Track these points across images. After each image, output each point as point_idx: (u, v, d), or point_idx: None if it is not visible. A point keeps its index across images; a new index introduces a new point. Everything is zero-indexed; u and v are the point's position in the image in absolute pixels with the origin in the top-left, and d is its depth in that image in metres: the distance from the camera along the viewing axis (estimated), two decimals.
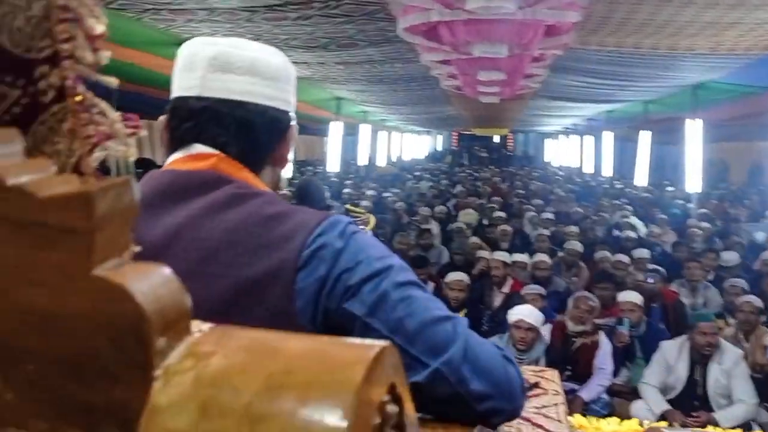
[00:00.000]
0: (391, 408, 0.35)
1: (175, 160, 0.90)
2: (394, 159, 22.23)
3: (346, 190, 10.82)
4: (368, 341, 0.35)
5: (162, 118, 0.93)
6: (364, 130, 14.34)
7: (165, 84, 1.01)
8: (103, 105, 0.44)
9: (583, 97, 10.96)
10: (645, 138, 11.34)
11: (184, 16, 4.53)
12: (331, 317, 0.79)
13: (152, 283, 0.33)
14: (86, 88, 0.42)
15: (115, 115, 0.45)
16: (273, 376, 0.31)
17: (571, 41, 5.36)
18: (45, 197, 0.31)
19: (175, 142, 0.91)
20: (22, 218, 0.31)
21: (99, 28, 0.41)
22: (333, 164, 12.12)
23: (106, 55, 0.43)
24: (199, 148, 0.89)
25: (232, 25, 4.80)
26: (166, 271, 0.35)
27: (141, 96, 7.43)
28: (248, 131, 0.90)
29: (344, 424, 0.29)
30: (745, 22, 4.75)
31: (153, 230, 0.80)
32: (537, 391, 1.87)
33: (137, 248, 0.51)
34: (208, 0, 4.12)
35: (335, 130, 11.41)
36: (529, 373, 2.10)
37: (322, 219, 0.83)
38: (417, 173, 17.72)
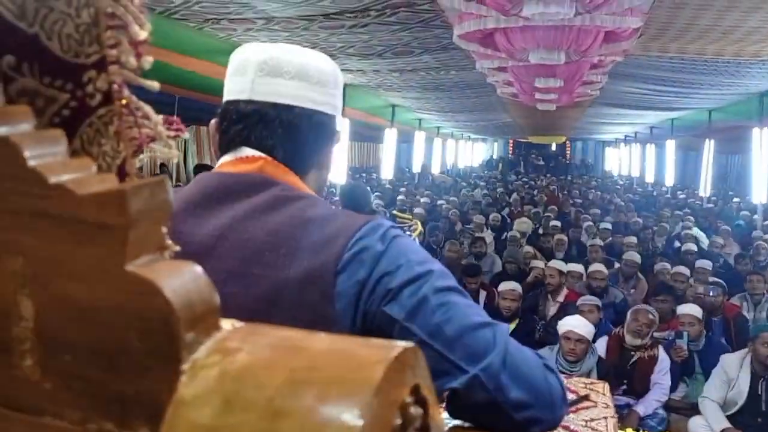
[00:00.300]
0: (415, 410, 0.35)
1: (224, 162, 0.92)
2: (449, 166, 22.16)
3: (399, 197, 10.84)
4: (393, 342, 0.35)
5: (213, 121, 0.97)
6: (419, 138, 14.35)
7: (223, 91, 1.04)
8: (147, 108, 0.46)
9: (644, 104, 10.68)
10: (709, 147, 10.96)
11: (243, 25, 4.65)
12: (370, 320, 0.79)
13: (182, 280, 0.34)
14: (132, 94, 0.43)
15: (158, 118, 0.47)
16: (296, 372, 0.32)
17: (632, 47, 5.24)
18: (83, 195, 0.33)
19: (225, 145, 0.93)
20: (62, 214, 0.33)
21: (143, 34, 0.43)
22: (387, 171, 12.18)
23: (148, 60, 0.44)
24: (246, 151, 0.91)
25: (289, 33, 4.90)
26: (197, 268, 0.36)
27: (201, 103, 7.66)
28: (295, 135, 0.91)
29: (360, 422, 0.29)
30: None
31: (200, 231, 0.83)
32: (586, 403, 1.83)
33: (176, 247, 0.52)
34: (266, 9, 4.22)
35: (390, 137, 11.46)
36: (579, 385, 2.05)
37: (363, 223, 0.83)
38: (472, 181, 17.61)
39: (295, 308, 0.78)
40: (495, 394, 0.76)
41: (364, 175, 15.79)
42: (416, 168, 15.43)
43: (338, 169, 9.08)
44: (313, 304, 0.78)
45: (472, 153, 26.21)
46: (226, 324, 0.44)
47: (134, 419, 0.34)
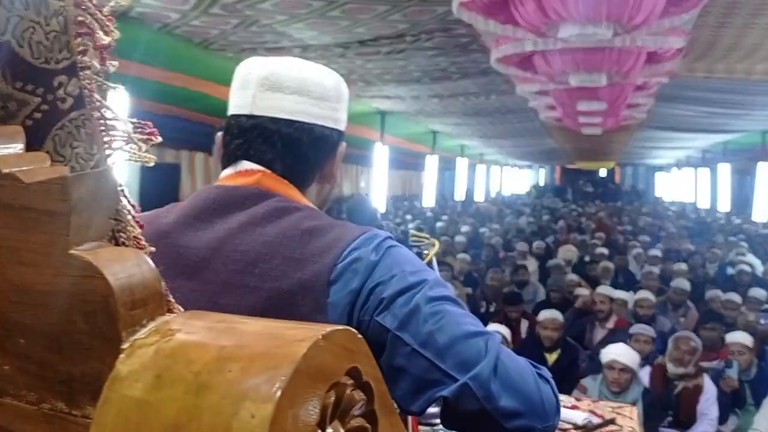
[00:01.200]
0: (355, 393, 0.36)
1: (224, 176, 0.94)
2: (493, 194, 21.99)
3: (439, 224, 10.80)
4: (326, 325, 0.36)
5: (219, 134, 0.99)
6: (461, 164, 14.30)
7: None
8: (118, 113, 0.48)
9: (694, 127, 10.43)
10: (764, 170, 10.60)
11: (280, 54, 4.77)
12: (364, 330, 0.79)
13: (124, 265, 0.36)
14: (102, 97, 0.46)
15: (127, 122, 0.49)
16: (225, 349, 0.33)
17: (677, 68, 5.15)
18: (30, 183, 0.35)
19: (227, 159, 0.95)
20: (12, 202, 0.35)
21: (106, 39, 0.45)
22: (428, 199, 12.13)
23: (113, 64, 0.47)
24: (246, 165, 0.92)
25: (326, 60, 5.00)
26: (142, 256, 0.38)
27: None
28: (295, 148, 0.92)
29: (278, 393, 0.30)
30: None
31: (198, 243, 0.84)
32: (612, 427, 1.78)
33: (151, 248, 0.54)
34: (302, 38, 4.32)
35: (431, 164, 11.44)
36: (606, 409, 2.00)
37: (358, 233, 0.84)
38: (517, 208, 17.42)
39: (289, 319, 0.79)
40: (485, 403, 0.75)
41: (405, 203, 15.81)
42: (459, 195, 15.34)
43: (379, 196, 9.13)
44: (306, 315, 0.78)
45: (517, 180, 25.97)
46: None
47: (81, 398, 0.36)
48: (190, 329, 0.34)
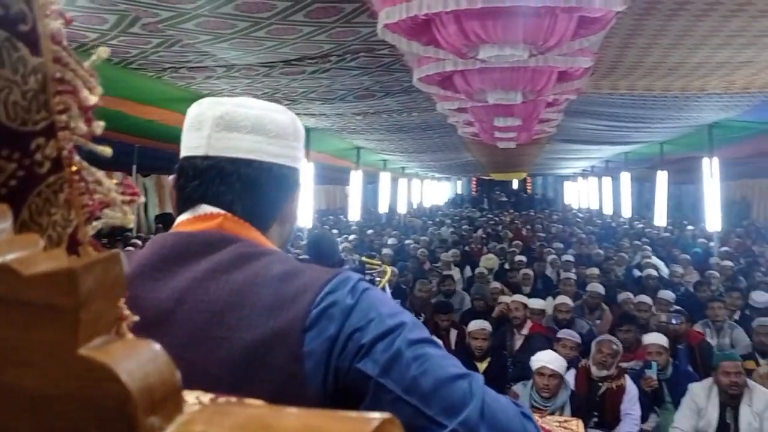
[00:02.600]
0: None
1: (181, 221, 0.89)
2: (414, 206, 22.30)
3: (368, 237, 10.84)
4: (369, 414, 0.33)
5: (171, 178, 0.94)
6: (385, 179, 14.43)
7: None
8: (99, 174, 0.44)
9: (598, 139, 10.99)
10: (662, 178, 11.29)
11: (203, 73, 4.66)
12: (343, 378, 0.76)
13: (139, 361, 0.32)
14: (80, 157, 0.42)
15: (111, 183, 0.45)
16: None
17: (584, 86, 5.40)
18: (29, 275, 0.31)
19: (183, 203, 0.90)
20: (8, 297, 0.31)
21: (93, 98, 0.42)
22: (354, 213, 12.18)
23: (100, 125, 0.43)
24: (205, 209, 0.88)
25: (250, 80, 4.93)
26: (155, 347, 0.34)
27: (161, 152, 7.60)
28: (254, 189, 0.89)
29: None
30: (757, 60, 4.76)
31: (159, 295, 0.80)
32: None
33: (135, 318, 0.50)
34: (225, 57, 4.23)
35: (355, 179, 11.49)
36: (553, 424, 2.05)
37: (331, 277, 0.81)
38: (438, 219, 17.72)
39: (262, 371, 0.75)
40: None
41: (331, 217, 15.77)
42: (383, 209, 15.48)
43: (304, 212, 9.05)
44: (281, 366, 0.75)
45: (437, 192, 26.46)
46: (191, 397, 0.42)
47: None
48: (217, 430, 0.31)
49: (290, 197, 0.95)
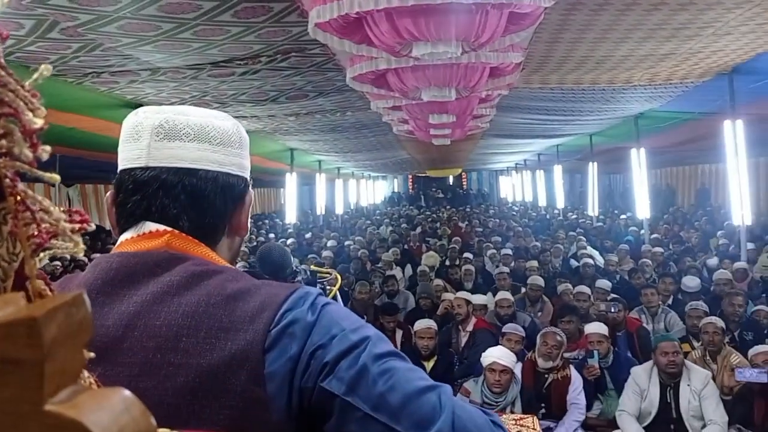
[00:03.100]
0: None
1: (124, 240, 0.83)
2: (352, 206, 22.28)
3: (306, 240, 10.76)
4: None
5: (109, 193, 0.87)
6: (320, 180, 14.38)
7: (109, 147, 0.96)
8: (46, 202, 0.40)
9: (530, 133, 11.26)
10: (593, 169, 11.68)
11: (127, 77, 4.49)
12: (308, 398, 0.73)
13: (112, 413, 0.29)
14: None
15: (58, 212, 0.41)
16: None
17: (516, 81, 5.51)
18: None
19: (124, 220, 0.84)
20: None
21: (37, 121, 0.38)
22: (290, 215, 12.06)
23: (46, 150, 0.39)
24: (149, 226, 0.83)
25: (177, 83, 4.78)
26: (126, 394, 0.31)
27: (84, 160, 7.28)
28: (201, 201, 0.84)
29: None
30: (678, 52, 4.97)
31: (104, 322, 0.74)
32: None
33: (91, 354, 0.46)
34: (150, 60, 4.09)
35: (290, 181, 11.38)
36: (509, 422, 2.07)
37: (288, 293, 0.77)
38: (377, 218, 17.74)
39: (223, 396, 0.71)
40: None
41: (267, 221, 15.55)
42: (319, 210, 15.42)
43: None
44: (242, 390, 0.71)
45: (373, 191, 26.52)
46: None
47: None
48: None
49: (239, 208, 0.89)
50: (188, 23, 3.41)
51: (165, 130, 0.84)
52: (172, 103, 5.37)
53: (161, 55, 3.99)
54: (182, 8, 3.18)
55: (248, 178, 0.93)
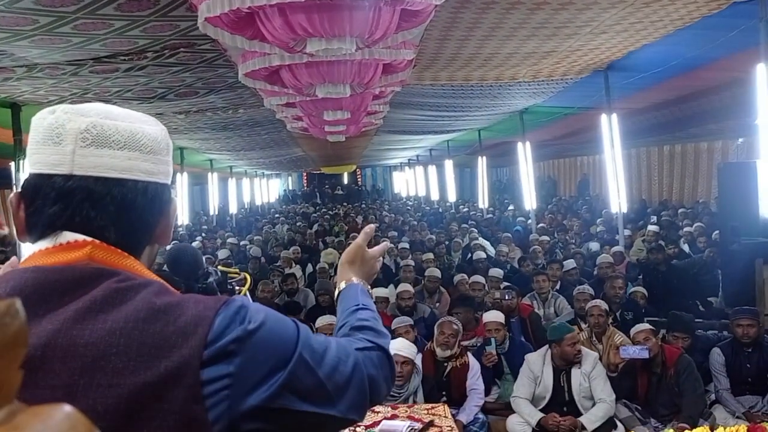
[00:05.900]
0: None
1: (38, 252, 0.77)
2: (246, 205, 21.84)
3: (195, 243, 10.42)
4: None
5: (13, 196, 0.80)
6: (212, 179, 13.99)
7: None
8: None
9: (422, 129, 11.51)
10: (482, 163, 12.13)
11: (1, 74, 4.15)
12: (249, 412, 0.72)
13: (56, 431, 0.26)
14: None
15: None
16: None
17: (408, 78, 5.60)
18: None
19: (39, 230, 0.78)
20: None
21: None
22: (182, 217, 11.66)
23: None
24: (68, 236, 0.77)
25: (56, 80, 4.48)
26: (68, 410, 0.28)
27: None
28: (129, 212, 0.80)
29: None
30: (559, 50, 5.25)
31: None
32: (432, 429, 1.88)
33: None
34: (26, 56, 3.81)
35: (180, 181, 11.01)
36: (422, 412, 2.11)
37: (219, 306, 0.75)
38: (271, 217, 17.48)
39: (159, 417, 0.67)
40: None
41: None
42: (213, 210, 15.00)
43: None
44: (179, 409, 0.68)
45: (267, 189, 26.12)
46: None
47: None
48: None
49: (164, 216, 0.87)
50: (68, 17, 3.20)
51: (92, 136, 0.78)
52: (50, 102, 5.02)
53: (39, 51, 3.72)
54: (62, 1, 2.97)
55: (171, 185, 0.89)
